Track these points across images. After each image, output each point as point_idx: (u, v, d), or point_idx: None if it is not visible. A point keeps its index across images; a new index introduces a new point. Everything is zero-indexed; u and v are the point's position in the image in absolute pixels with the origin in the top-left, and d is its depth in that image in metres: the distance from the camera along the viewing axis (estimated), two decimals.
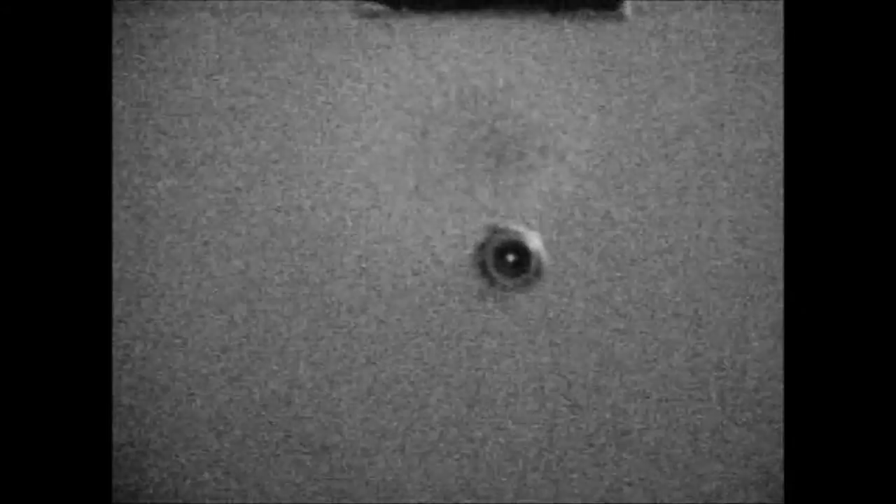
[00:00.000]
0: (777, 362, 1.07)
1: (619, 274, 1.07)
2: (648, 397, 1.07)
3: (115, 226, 1.06)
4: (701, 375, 1.07)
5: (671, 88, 1.06)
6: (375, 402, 1.08)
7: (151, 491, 1.07)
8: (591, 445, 1.07)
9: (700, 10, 1.06)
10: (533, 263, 1.05)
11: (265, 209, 1.07)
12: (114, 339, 1.07)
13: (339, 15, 1.06)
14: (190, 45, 1.06)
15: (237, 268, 1.07)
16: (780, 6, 1.05)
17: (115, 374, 1.07)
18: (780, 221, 1.06)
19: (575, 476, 1.08)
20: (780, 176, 1.06)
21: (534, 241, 1.05)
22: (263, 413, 1.07)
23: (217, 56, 1.06)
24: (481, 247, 1.06)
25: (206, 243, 1.07)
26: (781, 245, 1.06)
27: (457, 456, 1.08)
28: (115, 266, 1.07)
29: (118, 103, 1.06)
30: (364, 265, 1.07)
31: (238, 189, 1.07)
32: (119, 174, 1.06)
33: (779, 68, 1.06)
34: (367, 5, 1.05)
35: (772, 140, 1.06)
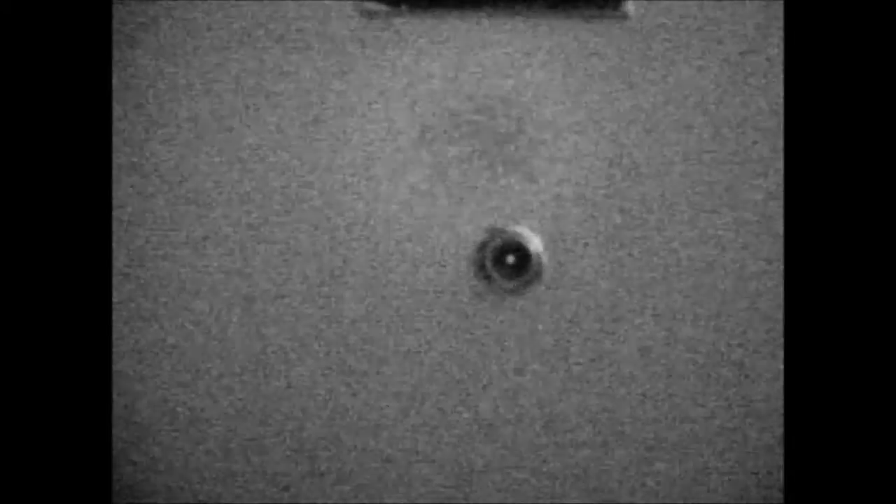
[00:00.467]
0: (777, 362, 1.07)
1: (619, 275, 1.07)
2: (647, 398, 1.07)
3: (115, 226, 1.06)
4: (701, 376, 1.07)
5: (673, 87, 1.06)
6: (374, 402, 1.08)
7: (151, 491, 1.08)
8: (589, 445, 1.08)
9: (702, 8, 1.05)
10: (533, 265, 1.05)
11: (263, 208, 1.06)
12: (113, 339, 1.07)
13: (339, 14, 1.05)
14: (188, 43, 1.06)
15: (236, 268, 1.07)
16: (781, 4, 1.05)
17: (114, 373, 1.07)
18: (781, 220, 1.06)
19: (574, 475, 1.08)
20: (780, 175, 1.06)
21: (534, 243, 1.05)
22: (262, 413, 1.07)
23: (216, 55, 1.06)
24: (481, 248, 1.05)
25: (205, 243, 1.07)
26: (782, 244, 1.06)
27: (455, 455, 1.08)
28: (116, 265, 1.07)
29: (118, 103, 1.06)
30: (363, 265, 1.07)
31: (237, 188, 1.06)
32: (119, 174, 1.06)
33: (780, 66, 1.06)
34: (367, 4, 1.04)
35: (773, 139, 1.06)
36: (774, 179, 1.06)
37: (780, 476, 1.07)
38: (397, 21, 1.05)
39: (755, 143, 1.06)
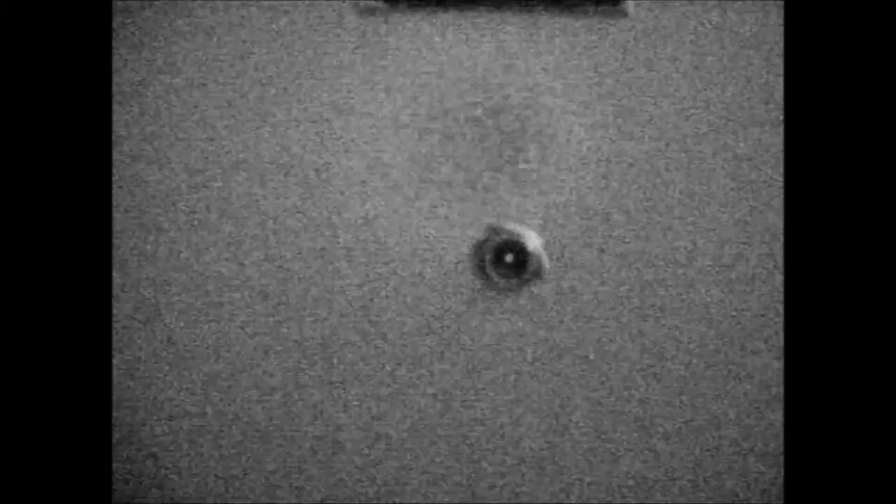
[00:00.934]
0: (777, 362, 1.07)
1: (619, 274, 1.07)
2: (647, 399, 1.07)
3: (115, 226, 1.06)
4: (700, 375, 1.07)
5: (672, 85, 1.06)
6: (372, 400, 1.08)
7: (152, 491, 1.08)
8: (588, 445, 1.08)
9: (702, 6, 1.05)
10: (531, 264, 1.05)
11: (261, 206, 1.06)
12: (114, 338, 1.07)
13: (337, 11, 1.05)
14: (186, 42, 1.06)
15: (234, 268, 1.07)
16: (781, 2, 1.05)
17: (114, 374, 1.07)
18: (782, 219, 1.06)
19: (572, 474, 1.08)
20: (781, 173, 1.06)
21: (532, 242, 1.05)
22: (261, 412, 1.08)
23: (214, 53, 1.06)
24: (479, 247, 1.05)
25: (204, 242, 1.07)
26: (782, 243, 1.06)
27: (453, 453, 1.08)
28: (116, 265, 1.07)
29: (117, 102, 1.06)
30: (360, 264, 1.07)
31: (234, 187, 1.06)
32: (119, 174, 1.06)
33: (780, 63, 1.05)
34: (365, 2, 1.04)
35: (773, 136, 1.06)
36: (775, 177, 1.06)
37: (780, 476, 1.07)
38: (395, 17, 1.05)
39: (756, 139, 1.06)
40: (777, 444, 1.07)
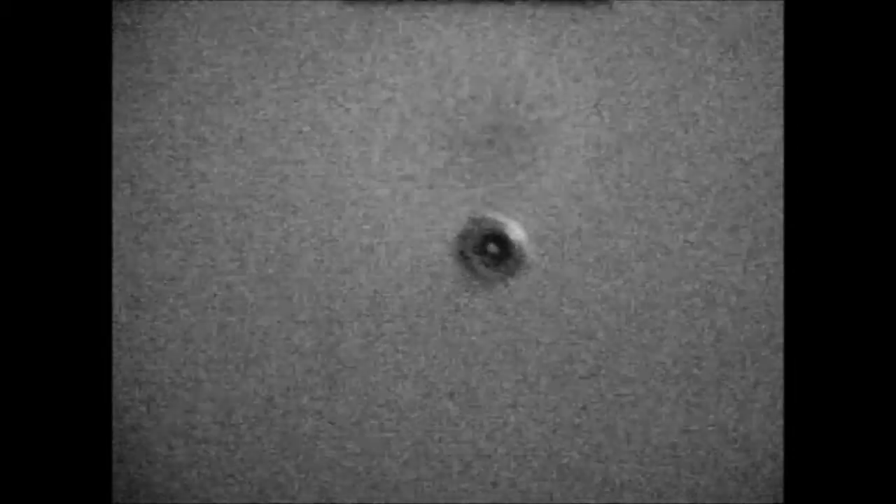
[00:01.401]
0: (777, 362, 1.06)
1: (611, 267, 1.06)
2: (643, 396, 1.06)
3: (115, 225, 1.08)
4: (693, 369, 1.06)
5: (662, 79, 1.05)
6: (364, 396, 1.07)
7: (152, 491, 1.08)
8: (579, 439, 1.06)
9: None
10: (514, 253, 1.05)
11: (256, 204, 1.07)
12: (114, 338, 1.08)
13: (325, 4, 1.06)
14: (184, 40, 1.07)
15: (231, 268, 1.07)
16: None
17: (114, 373, 1.08)
18: (780, 216, 1.05)
19: (567, 470, 1.07)
20: (779, 170, 1.05)
21: (515, 232, 1.05)
22: (259, 411, 1.08)
23: (211, 51, 1.07)
24: (463, 236, 1.06)
25: (202, 241, 1.08)
26: (781, 241, 1.05)
27: (443, 450, 1.07)
28: (116, 265, 1.08)
29: (117, 102, 1.07)
30: (355, 259, 1.07)
31: (230, 185, 1.07)
32: (119, 173, 1.08)
33: (775, 56, 1.04)
34: None
35: (770, 131, 1.05)
36: (773, 173, 1.05)
37: (780, 476, 1.05)
38: (380, 9, 1.06)
39: (751, 134, 1.05)
40: (777, 444, 1.06)
